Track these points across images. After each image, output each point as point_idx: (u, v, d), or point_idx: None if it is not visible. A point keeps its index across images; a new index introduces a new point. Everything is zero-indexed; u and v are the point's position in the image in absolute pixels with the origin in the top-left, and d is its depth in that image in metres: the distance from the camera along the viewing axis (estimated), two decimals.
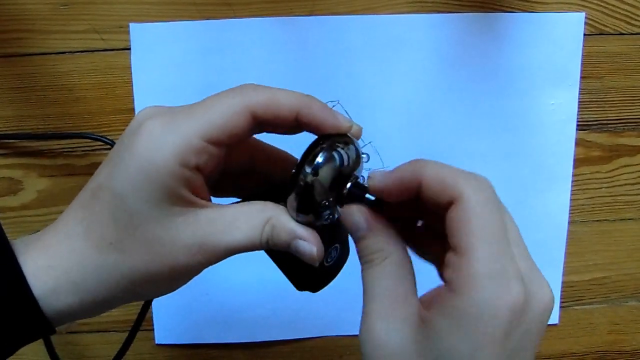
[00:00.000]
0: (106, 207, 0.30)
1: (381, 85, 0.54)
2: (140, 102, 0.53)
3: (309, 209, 0.31)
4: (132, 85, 0.53)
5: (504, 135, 0.55)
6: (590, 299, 0.60)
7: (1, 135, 0.53)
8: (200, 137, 0.29)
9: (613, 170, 0.57)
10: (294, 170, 0.31)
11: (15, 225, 0.54)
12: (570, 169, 0.56)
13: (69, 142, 0.54)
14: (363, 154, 0.34)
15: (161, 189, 0.29)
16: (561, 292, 0.59)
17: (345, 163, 0.32)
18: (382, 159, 0.55)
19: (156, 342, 0.57)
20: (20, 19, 0.51)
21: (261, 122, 0.31)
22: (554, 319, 0.59)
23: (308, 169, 0.30)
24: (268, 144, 0.36)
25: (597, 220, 0.58)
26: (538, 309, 0.27)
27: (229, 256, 0.31)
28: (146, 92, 0.53)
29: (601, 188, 0.57)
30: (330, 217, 0.32)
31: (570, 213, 0.57)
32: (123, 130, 0.53)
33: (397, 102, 0.54)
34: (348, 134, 0.33)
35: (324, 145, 0.31)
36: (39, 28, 0.51)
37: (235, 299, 0.56)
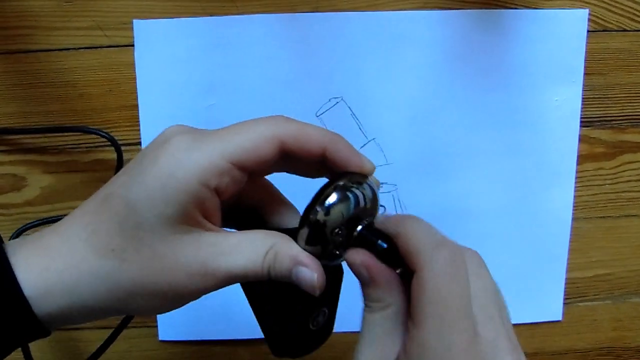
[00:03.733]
0: (115, 214, 0.30)
1: (384, 82, 0.54)
2: (144, 99, 0.53)
3: (317, 242, 0.31)
4: (135, 82, 0.53)
5: (507, 132, 0.55)
6: (594, 295, 0.60)
7: (5, 130, 0.53)
8: (225, 158, 0.29)
9: (617, 166, 0.57)
10: (306, 207, 0.31)
11: (18, 221, 0.54)
12: (573, 166, 0.56)
13: (72, 139, 0.54)
14: (380, 205, 0.33)
15: (176, 206, 0.29)
16: (565, 288, 0.59)
17: (360, 205, 0.31)
18: (385, 155, 0.55)
19: (160, 338, 0.57)
20: (24, 16, 0.51)
21: (289, 153, 0.31)
22: (558, 315, 0.59)
23: (319, 207, 0.30)
24: (278, 190, 0.36)
25: (601, 217, 0.58)
26: None
27: (229, 283, 0.31)
28: (150, 89, 0.53)
29: (605, 184, 0.57)
30: (337, 256, 0.32)
31: (573, 209, 0.57)
32: (127, 126, 0.53)
33: (401, 98, 0.54)
34: (367, 177, 0.33)
35: (339, 183, 0.31)
36: (43, 24, 0.51)
37: (238, 296, 0.56)
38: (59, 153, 0.54)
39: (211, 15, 0.52)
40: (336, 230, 0.30)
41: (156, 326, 0.57)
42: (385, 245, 0.31)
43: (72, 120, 0.53)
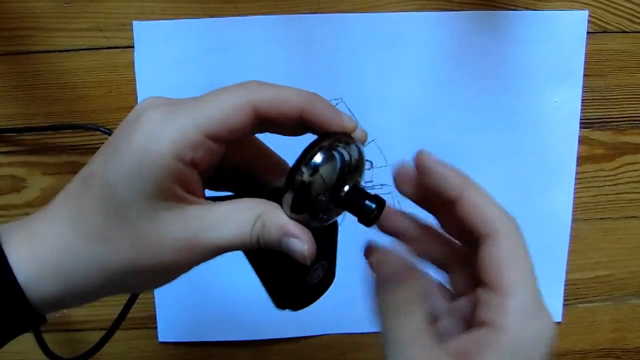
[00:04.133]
0: (96, 197, 0.29)
1: (385, 83, 0.54)
2: None
3: (303, 208, 0.30)
4: (135, 83, 0.53)
5: (507, 133, 0.55)
6: (594, 296, 0.60)
7: (6, 130, 0.53)
8: (199, 131, 0.29)
9: (616, 168, 0.57)
10: (291, 168, 0.30)
11: None
12: (573, 167, 0.56)
13: (72, 140, 0.54)
14: (367, 160, 0.33)
15: (153, 182, 0.28)
16: (564, 290, 0.59)
17: (346, 164, 0.31)
18: (385, 156, 0.55)
19: (159, 340, 0.57)
20: (24, 17, 0.51)
21: (264, 119, 0.30)
22: (557, 316, 0.59)
23: (305, 167, 0.29)
24: (268, 147, 0.36)
25: (601, 218, 0.58)
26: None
27: (218, 254, 0.30)
28: (150, 90, 0.53)
29: (604, 186, 0.57)
30: (326, 218, 0.31)
31: (573, 211, 0.57)
32: None
33: (401, 99, 0.54)
34: (352, 135, 0.32)
35: (325, 144, 0.30)
36: (43, 26, 0.52)
37: (238, 297, 0.56)
38: (59, 154, 0.54)
39: (211, 17, 0.52)
40: (322, 193, 0.30)
41: (156, 327, 0.57)
42: (373, 206, 0.31)
43: (72, 122, 0.53)
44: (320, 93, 0.53)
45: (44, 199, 0.54)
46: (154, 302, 0.56)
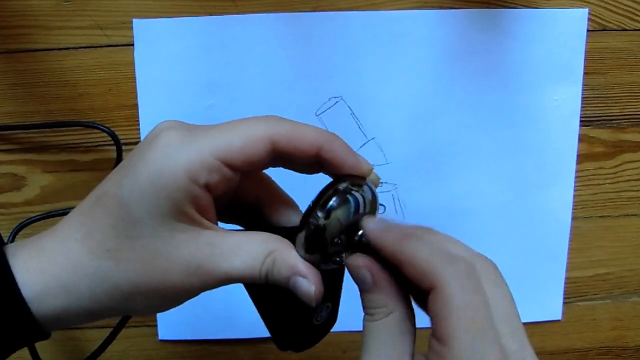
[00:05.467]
0: (109, 215, 0.29)
1: (384, 81, 0.54)
2: (144, 98, 0.53)
3: (316, 249, 0.30)
4: (135, 81, 0.53)
5: (507, 131, 0.55)
6: (594, 294, 0.60)
7: (7, 127, 0.53)
8: (214, 155, 0.29)
9: (616, 166, 0.57)
10: (307, 209, 0.30)
11: (18, 221, 0.54)
12: (573, 165, 0.56)
13: (72, 138, 0.54)
14: (380, 204, 0.33)
15: (167, 202, 0.28)
16: (564, 287, 0.59)
17: (360, 208, 0.31)
18: (385, 155, 0.55)
19: (159, 337, 0.57)
20: (23, 15, 0.51)
21: (281, 153, 0.30)
22: (557, 314, 0.59)
23: (320, 210, 0.30)
24: (277, 185, 0.36)
25: (601, 216, 0.58)
26: None
27: (225, 284, 0.30)
28: (149, 88, 0.53)
29: (604, 184, 0.57)
30: (337, 261, 0.31)
31: (573, 209, 0.57)
32: (126, 126, 0.53)
33: (401, 98, 0.54)
34: (367, 179, 0.32)
35: (340, 188, 0.30)
36: (42, 24, 0.51)
37: (238, 295, 0.56)
38: (59, 152, 0.54)
39: (211, 15, 0.52)
40: (336, 236, 0.30)
41: (156, 325, 0.57)
42: None
43: (72, 120, 0.53)
44: (319, 91, 0.54)
45: (43, 197, 0.54)
46: None
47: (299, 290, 0.30)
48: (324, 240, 0.30)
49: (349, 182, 0.31)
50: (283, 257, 0.30)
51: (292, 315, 0.33)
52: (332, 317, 0.36)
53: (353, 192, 0.30)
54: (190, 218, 0.29)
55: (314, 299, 0.30)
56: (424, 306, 0.28)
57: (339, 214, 0.30)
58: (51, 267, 0.29)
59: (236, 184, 0.31)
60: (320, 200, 0.30)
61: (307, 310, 0.33)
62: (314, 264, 0.31)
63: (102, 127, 0.51)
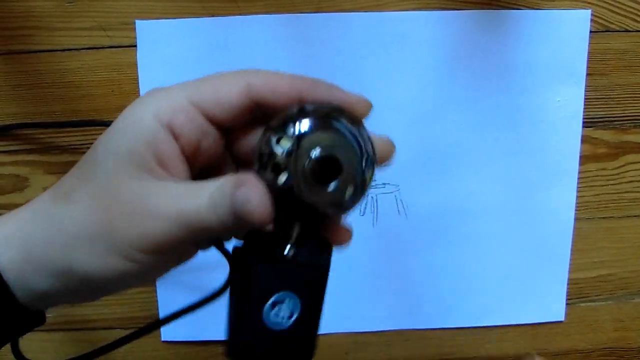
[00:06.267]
0: (78, 164, 0.29)
1: (387, 82, 0.54)
2: None
3: (275, 166, 0.26)
4: (138, 82, 0.53)
5: (509, 132, 0.55)
6: (596, 295, 0.60)
7: (16, 126, 0.53)
8: (185, 97, 0.28)
9: (619, 167, 0.57)
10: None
11: None
12: (576, 166, 0.56)
13: (75, 139, 0.54)
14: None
15: (125, 143, 0.27)
16: (567, 289, 0.59)
17: (363, 149, 0.27)
18: None
19: (162, 339, 0.57)
20: (26, 16, 0.51)
21: (260, 101, 0.28)
22: (560, 315, 0.59)
23: (302, 128, 0.26)
24: None
25: (603, 217, 0.58)
26: None
27: (183, 234, 0.26)
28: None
29: (607, 185, 0.57)
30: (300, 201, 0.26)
31: (576, 210, 0.57)
32: None
33: (403, 99, 0.54)
34: (363, 122, 0.28)
35: (326, 110, 0.27)
36: (45, 25, 0.52)
37: None
38: (62, 153, 0.54)
39: (213, 16, 0.52)
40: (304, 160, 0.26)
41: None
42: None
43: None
44: None
45: None
46: (157, 301, 0.56)
47: (237, 204, 0.25)
48: (293, 160, 0.26)
49: (342, 112, 0.28)
50: (232, 178, 0.26)
51: (242, 306, 0.27)
52: (308, 322, 0.28)
53: (351, 124, 0.27)
54: (148, 164, 0.27)
55: (255, 212, 0.25)
56: None
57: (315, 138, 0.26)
58: (13, 217, 0.29)
59: (219, 145, 0.29)
60: (302, 115, 0.27)
61: (258, 299, 0.27)
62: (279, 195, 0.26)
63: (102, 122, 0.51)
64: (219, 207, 0.26)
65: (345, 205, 0.27)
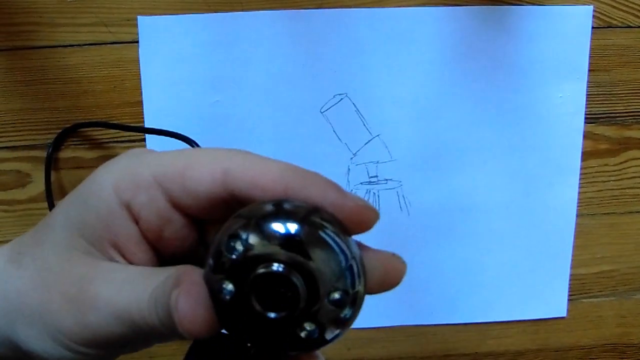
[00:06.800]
0: (40, 223, 0.26)
1: (389, 78, 0.54)
2: (149, 95, 0.53)
3: (226, 269, 0.20)
4: (140, 78, 0.53)
5: (511, 128, 0.55)
6: (599, 291, 0.60)
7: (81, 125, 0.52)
8: (150, 172, 0.23)
9: (621, 163, 0.57)
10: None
11: (22, 218, 0.54)
12: (578, 162, 0.56)
13: (77, 135, 0.54)
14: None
15: (78, 212, 0.24)
16: (569, 285, 0.59)
17: (348, 266, 0.20)
18: (390, 152, 0.55)
19: None
20: (28, 12, 0.51)
21: (236, 190, 0.23)
22: (562, 311, 0.59)
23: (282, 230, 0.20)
24: None
25: (606, 213, 0.58)
26: None
27: (115, 326, 0.23)
28: (154, 85, 0.53)
29: (609, 181, 0.57)
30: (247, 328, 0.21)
31: (578, 206, 0.57)
32: (131, 123, 0.53)
33: (405, 95, 0.54)
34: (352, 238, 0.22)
35: (310, 217, 0.21)
36: (47, 21, 0.51)
37: None
38: (64, 149, 0.54)
39: (216, 12, 0.52)
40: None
41: None
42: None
43: (76, 117, 0.53)
44: (324, 88, 0.54)
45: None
46: None
47: (172, 310, 0.21)
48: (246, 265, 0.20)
49: (326, 215, 0.21)
50: (175, 274, 0.22)
51: None
52: None
53: (333, 235, 0.20)
54: (99, 243, 0.24)
55: (182, 323, 0.20)
56: None
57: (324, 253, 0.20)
58: None
59: (187, 234, 0.25)
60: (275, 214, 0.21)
61: None
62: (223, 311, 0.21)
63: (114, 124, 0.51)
64: (159, 305, 0.21)
65: (305, 342, 0.21)
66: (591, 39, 0.54)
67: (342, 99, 0.54)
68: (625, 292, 0.60)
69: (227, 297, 0.20)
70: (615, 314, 0.60)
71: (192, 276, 0.21)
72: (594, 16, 0.54)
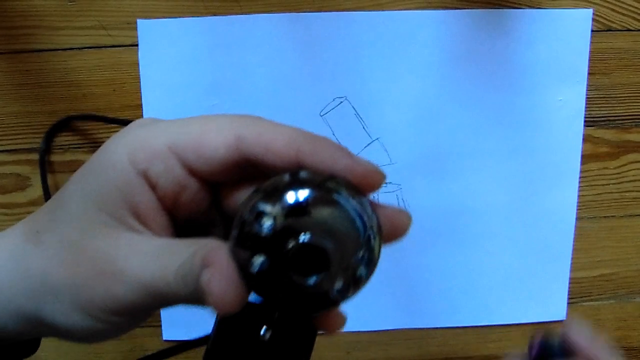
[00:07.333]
0: (48, 203, 0.27)
1: (389, 81, 0.54)
2: (148, 98, 0.53)
3: (252, 245, 0.22)
4: (139, 82, 0.53)
5: (511, 132, 0.55)
6: (598, 295, 0.60)
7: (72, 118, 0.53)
8: (164, 142, 0.24)
9: (621, 166, 0.57)
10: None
11: None
12: (577, 165, 0.56)
13: (76, 139, 0.54)
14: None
15: (95, 186, 0.25)
16: (569, 288, 0.59)
17: (363, 236, 0.22)
18: (389, 155, 0.55)
19: (163, 338, 0.57)
20: (28, 15, 0.51)
21: (250, 155, 0.24)
22: (562, 315, 0.59)
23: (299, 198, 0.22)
24: None
25: (605, 217, 0.58)
26: None
27: (144, 297, 0.24)
28: (154, 88, 0.53)
29: (609, 184, 0.57)
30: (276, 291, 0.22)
31: (577, 209, 0.57)
32: None
33: (405, 98, 0.54)
34: (368, 195, 0.23)
35: (323, 181, 0.22)
36: (47, 24, 0.52)
37: None
38: (64, 152, 0.54)
39: (215, 15, 0.52)
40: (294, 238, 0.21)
41: (160, 326, 0.57)
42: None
43: (82, 126, 0.53)
44: (323, 91, 0.54)
45: (48, 198, 0.54)
46: (160, 321, 0.56)
47: (204, 287, 0.22)
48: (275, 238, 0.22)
49: (342, 181, 0.23)
50: (202, 251, 0.23)
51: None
52: None
53: (351, 198, 0.22)
54: (120, 214, 0.25)
55: (218, 301, 0.22)
56: None
57: (319, 214, 0.22)
58: None
59: (203, 199, 0.26)
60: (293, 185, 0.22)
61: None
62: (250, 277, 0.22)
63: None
64: (189, 281, 0.23)
65: (332, 301, 0.23)
66: (591, 42, 0.54)
67: (341, 102, 0.54)
68: (625, 295, 0.60)
69: (257, 269, 0.22)
70: (615, 317, 0.60)
71: (220, 255, 0.22)
72: (593, 19, 0.54)
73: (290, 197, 0.22)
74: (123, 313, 0.25)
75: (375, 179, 0.23)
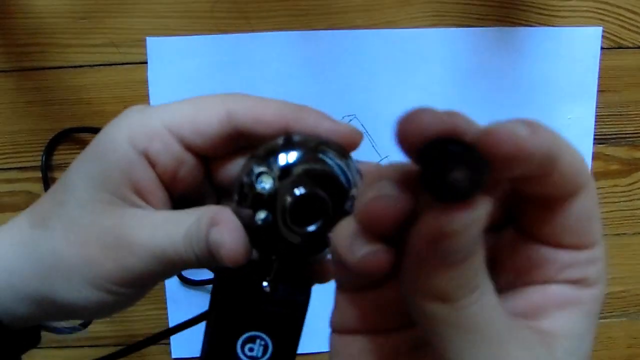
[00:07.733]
0: (53, 188, 0.28)
1: (399, 99, 0.54)
2: None
3: (252, 202, 0.24)
4: (149, 99, 0.53)
5: None
6: (609, 312, 0.59)
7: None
8: (161, 122, 0.26)
9: (632, 183, 0.57)
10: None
11: None
12: None
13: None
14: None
15: (97, 167, 0.26)
16: None
17: (352, 186, 0.25)
18: None
19: (172, 356, 0.57)
20: (38, 33, 0.51)
21: (242, 129, 0.26)
22: None
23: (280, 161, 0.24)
24: None
25: (616, 234, 0.58)
26: None
27: (153, 265, 0.26)
28: None
29: (620, 202, 0.57)
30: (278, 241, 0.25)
31: None
32: None
33: None
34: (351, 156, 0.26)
35: (311, 142, 0.25)
36: (58, 42, 0.52)
37: None
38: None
39: (224, 33, 0.52)
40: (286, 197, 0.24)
41: (169, 343, 0.57)
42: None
43: (86, 138, 0.53)
44: (333, 109, 0.53)
45: None
46: (167, 318, 0.56)
47: (212, 245, 0.25)
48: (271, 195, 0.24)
49: (326, 141, 0.26)
50: (208, 213, 0.26)
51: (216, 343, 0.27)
52: None
53: (338, 155, 0.25)
54: (122, 192, 0.26)
55: (229, 255, 0.24)
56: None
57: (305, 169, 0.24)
58: None
59: (197, 173, 0.28)
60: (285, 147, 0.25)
61: (231, 334, 0.27)
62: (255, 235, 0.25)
63: None
64: (196, 243, 0.25)
65: (323, 249, 0.26)
66: (601, 59, 0.54)
67: (351, 120, 0.54)
68: (635, 312, 0.60)
69: (260, 224, 0.24)
70: (626, 334, 0.60)
71: (226, 214, 0.25)
72: (604, 37, 0.54)
73: (285, 157, 0.24)
74: (133, 284, 0.27)
75: (354, 138, 0.27)
